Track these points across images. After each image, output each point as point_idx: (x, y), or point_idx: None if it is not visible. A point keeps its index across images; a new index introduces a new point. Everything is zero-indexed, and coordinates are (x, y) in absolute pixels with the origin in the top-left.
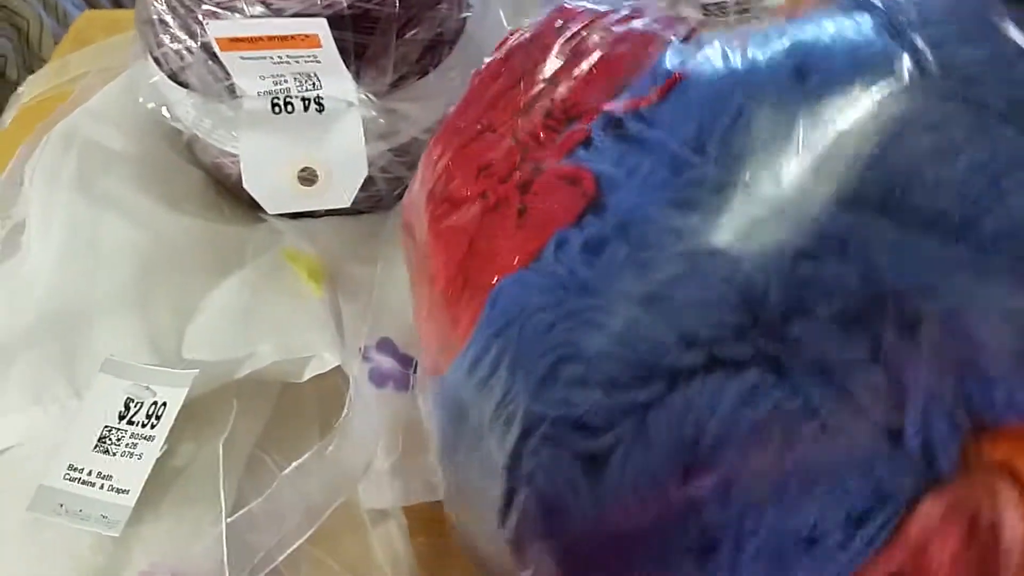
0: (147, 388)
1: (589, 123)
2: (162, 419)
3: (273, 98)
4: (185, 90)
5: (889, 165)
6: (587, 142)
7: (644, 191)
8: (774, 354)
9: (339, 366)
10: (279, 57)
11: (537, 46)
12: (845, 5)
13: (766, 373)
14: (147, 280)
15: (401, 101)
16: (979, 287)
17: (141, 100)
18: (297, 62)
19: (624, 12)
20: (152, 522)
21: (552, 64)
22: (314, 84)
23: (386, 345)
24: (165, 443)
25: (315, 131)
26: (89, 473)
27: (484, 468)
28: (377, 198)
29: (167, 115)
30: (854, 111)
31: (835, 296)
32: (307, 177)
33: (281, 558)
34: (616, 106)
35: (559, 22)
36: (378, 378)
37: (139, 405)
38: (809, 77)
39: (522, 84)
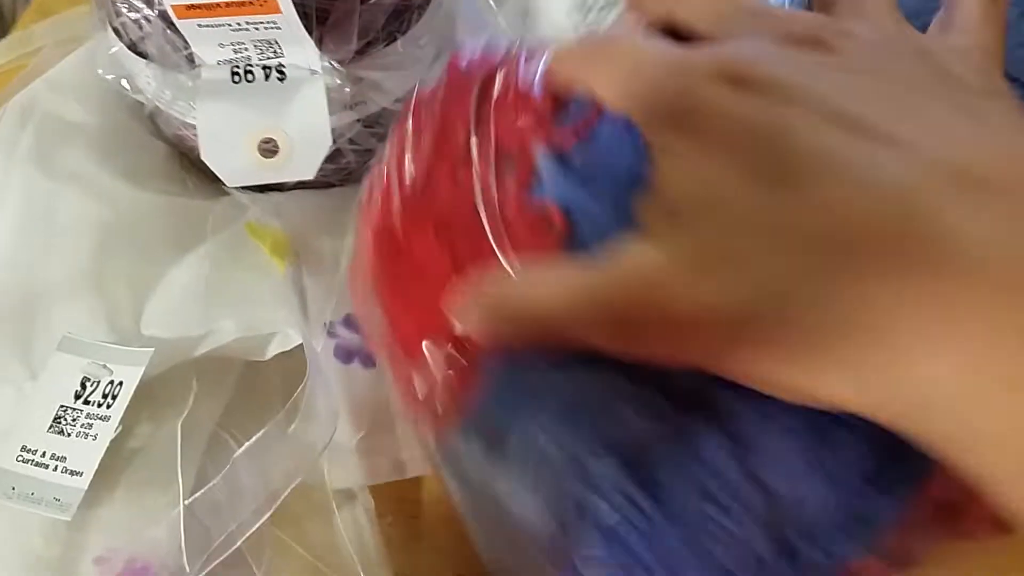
0: (104, 367)
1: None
2: (118, 398)
3: (233, 67)
4: (145, 61)
5: None
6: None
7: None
8: None
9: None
10: (238, 24)
11: (453, 97)
12: None
13: None
14: (105, 256)
15: (368, 69)
16: None
17: (100, 72)
18: (257, 29)
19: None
20: (107, 506)
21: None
22: (275, 52)
23: (352, 321)
24: (120, 423)
25: (277, 100)
26: (43, 455)
27: None
28: (347, 171)
29: (127, 87)
30: None
31: None
32: (269, 149)
33: (242, 540)
34: (558, 136)
35: (465, 68)
36: (344, 354)
37: (95, 384)
38: None
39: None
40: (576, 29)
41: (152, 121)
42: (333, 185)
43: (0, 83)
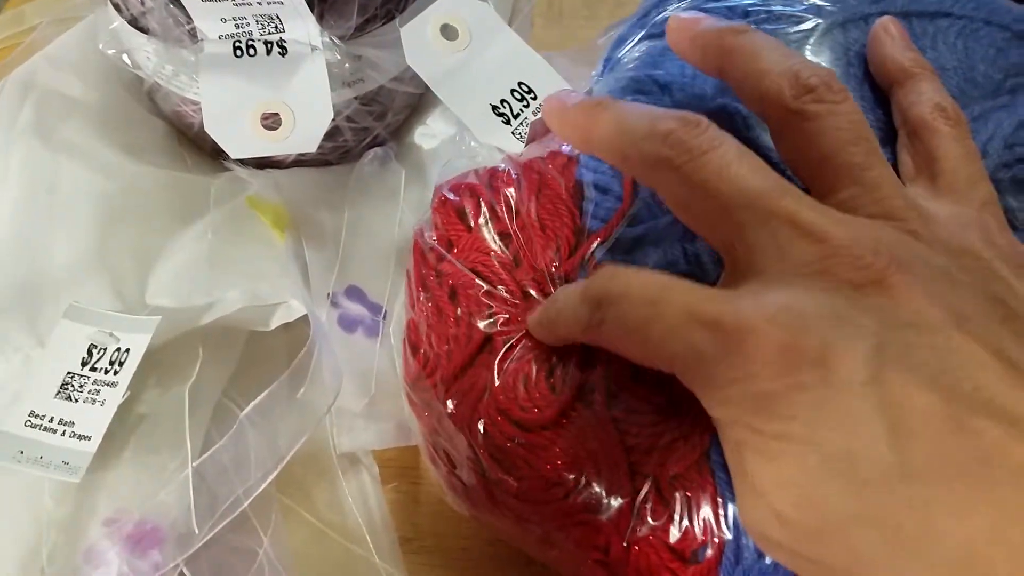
0: (110, 335)
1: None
2: (125, 365)
3: (235, 41)
4: (146, 36)
5: None
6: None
7: None
8: None
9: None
10: None
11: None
12: None
13: None
14: (109, 227)
15: (366, 47)
16: None
17: (101, 47)
18: (259, 4)
19: (504, 166)
20: (116, 469)
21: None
22: (276, 27)
23: (355, 292)
24: (128, 389)
25: (278, 75)
26: (51, 420)
27: None
28: (344, 149)
29: (128, 62)
30: None
31: None
32: (270, 125)
33: (248, 502)
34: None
35: (455, 207)
36: (347, 323)
37: (102, 351)
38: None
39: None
40: (505, 142)
41: (150, 98)
42: (330, 163)
43: None
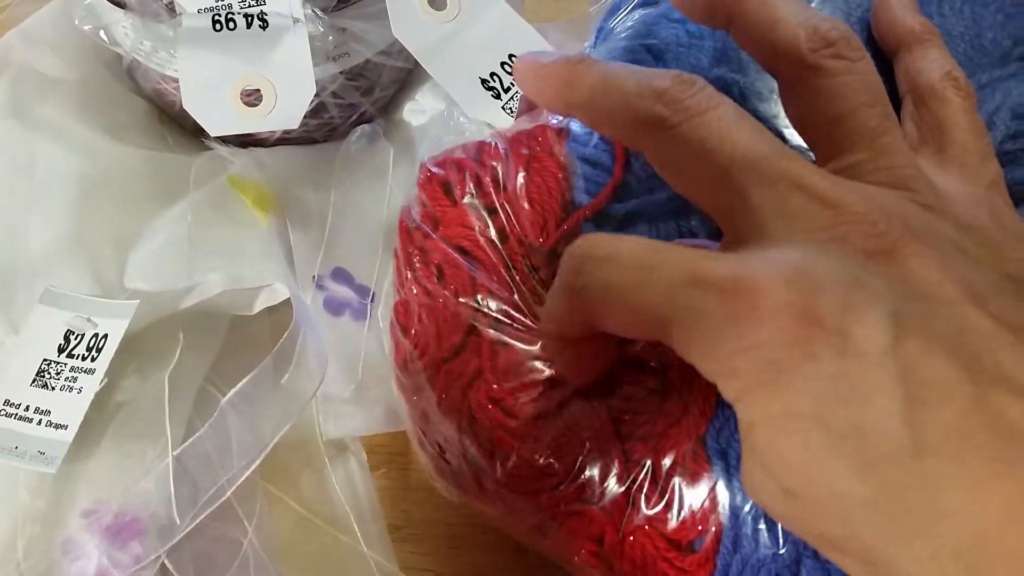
0: (88, 320)
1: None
2: (103, 351)
3: (214, 15)
4: (123, 11)
5: None
6: None
7: None
8: None
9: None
10: None
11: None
12: None
13: None
14: (87, 208)
15: (351, 19)
16: None
17: (77, 23)
18: None
19: (492, 140)
20: (94, 459)
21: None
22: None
23: (341, 274)
24: (105, 376)
25: (259, 49)
26: (26, 408)
27: None
28: (331, 127)
29: (105, 38)
30: None
31: None
32: (252, 102)
33: (231, 491)
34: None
35: (441, 181)
36: (334, 306)
37: (79, 337)
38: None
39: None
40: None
41: (130, 76)
42: (316, 141)
43: None
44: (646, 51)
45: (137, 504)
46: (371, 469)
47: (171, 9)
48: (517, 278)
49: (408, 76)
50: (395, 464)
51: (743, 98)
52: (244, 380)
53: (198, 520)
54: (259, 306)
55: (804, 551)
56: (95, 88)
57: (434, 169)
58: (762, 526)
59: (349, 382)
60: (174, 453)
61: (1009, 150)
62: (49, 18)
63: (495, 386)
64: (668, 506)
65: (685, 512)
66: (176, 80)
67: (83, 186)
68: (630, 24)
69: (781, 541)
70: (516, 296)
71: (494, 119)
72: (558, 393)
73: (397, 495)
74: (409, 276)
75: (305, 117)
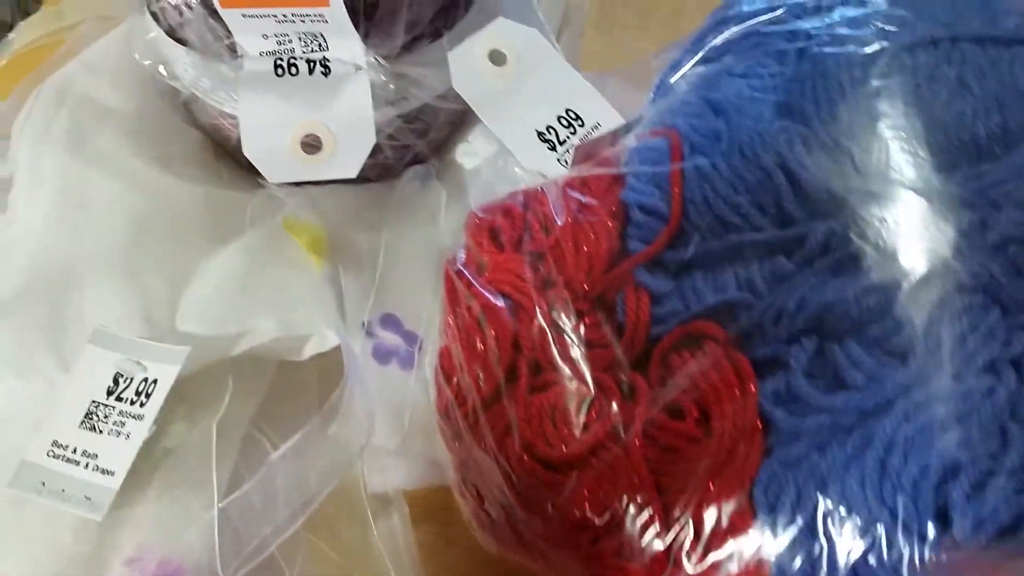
0: (138, 363)
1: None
2: (152, 397)
3: (276, 59)
4: (184, 48)
5: None
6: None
7: None
8: None
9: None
10: (283, 15)
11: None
12: None
13: None
14: (140, 245)
15: (412, 65)
16: None
17: (137, 57)
18: (303, 21)
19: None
20: (140, 505)
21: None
22: (320, 45)
23: (390, 321)
24: (154, 423)
25: (320, 95)
26: (74, 451)
27: None
28: (385, 166)
29: (164, 73)
30: None
31: None
32: (311, 144)
33: (275, 545)
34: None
35: (488, 227)
36: (382, 354)
37: (129, 381)
38: None
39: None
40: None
41: (187, 109)
42: (369, 180)
43: (30, 60)
44: (707, 105)
45: (181, 553)
46: (412, 523)
47: (233, 50)
48: (560, 324)
49: (462, 116)
50: (437, 519)
51: (807, 147)
52: (295, 437)
53: (241, 573)
54: (309, 352)
55: None
56: (152, 119)
57: (482, 215)
58: None
59: (395, 434)
60: (220, 505)
61: None
62: (111, 48)
63: (530, 435)
64: (712, 566)
65: (730, 570)
66: (233, 116)
67: (137, 221)
68: (691, 79)
69: None
70: (554, 343)
71: (549, 170)
72: (593, 441)
73: (438, 551)
74: (451, 322)
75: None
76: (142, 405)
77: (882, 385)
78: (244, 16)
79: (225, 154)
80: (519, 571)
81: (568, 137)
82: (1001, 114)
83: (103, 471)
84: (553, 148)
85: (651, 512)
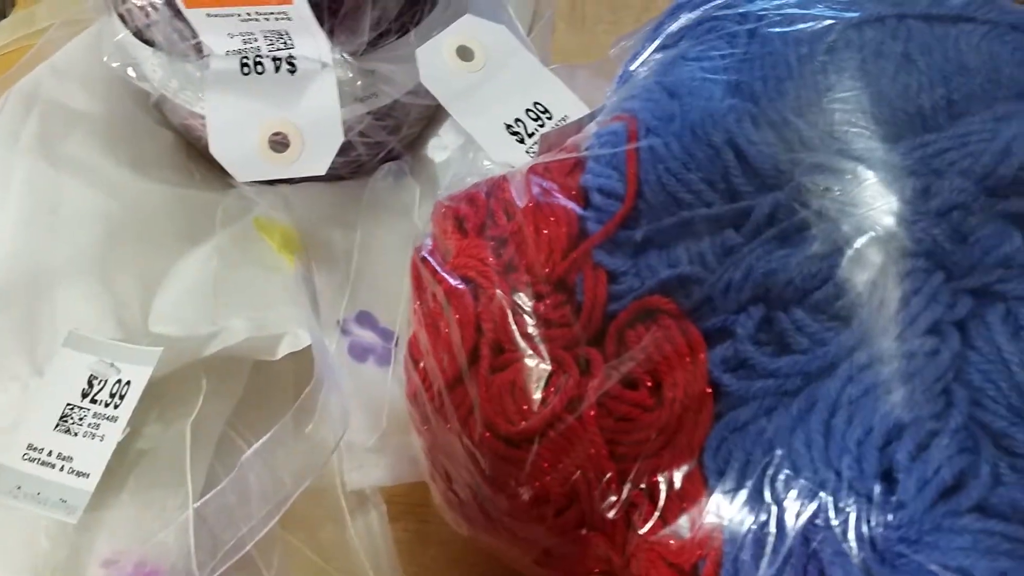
0: (111, 365)
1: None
2: (126, 398)
3: (242, 58)
4: (151, 48)
5: None
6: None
7: None
8: None
9: None
10: (248, 14)
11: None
12: None
13: None
14: (112, 248)
15: (380, 62)
16: None
17: (105, 59)
18: (267, 19)
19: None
20: (115, 508)
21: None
22: (285, 43)
23: (366, 318)
24: (128, 425)
25: (287, 93)
26: (49, 454)
27: None
28: (357, 164)
29: (133, 75)
30: None
31: None
32: (279, 142)
33: (251, 544)
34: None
35: (453, 214)
36: (359, 352)
37: (103, 383)
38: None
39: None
40: (519, 161)
41: (158, 110)
42: (343, 178)
43: (1, 65)
44: (663, 89)
45: (157, 555)
46: (390, 520)
47: (199, 49)
48: (520, 306)
49: (435, 112)
50: (415, 516)
51: (755, 124)
52: (266, 436)
53: (218, 573)
54: (283, 351)
55: (807, 575)
56: (122, 121)
57: (447, 203)
58: (762, 549)
59: (373, 431)
60: (195, 506)
61: None
62: (78, 52)
63: (491, 413)
64: (667, 532)
65: (684, 535)
66: (203, 116)
67: (108, 224)
68: (650, 66)
69: (781, 565)
70: (515, 324)
71: (517, 163)
72: (550, 415)
73: (416, 548)
74: (417, 308)
75: (333, 156)
76: (116, 407)
77: (826, 348)
78: (208, 15)
79: (198, 154)
80: (496, 566)
81: (536, 130)
82: (946, 87)
83: (78, 474)
84: (522, 141)
85: (607, 481)
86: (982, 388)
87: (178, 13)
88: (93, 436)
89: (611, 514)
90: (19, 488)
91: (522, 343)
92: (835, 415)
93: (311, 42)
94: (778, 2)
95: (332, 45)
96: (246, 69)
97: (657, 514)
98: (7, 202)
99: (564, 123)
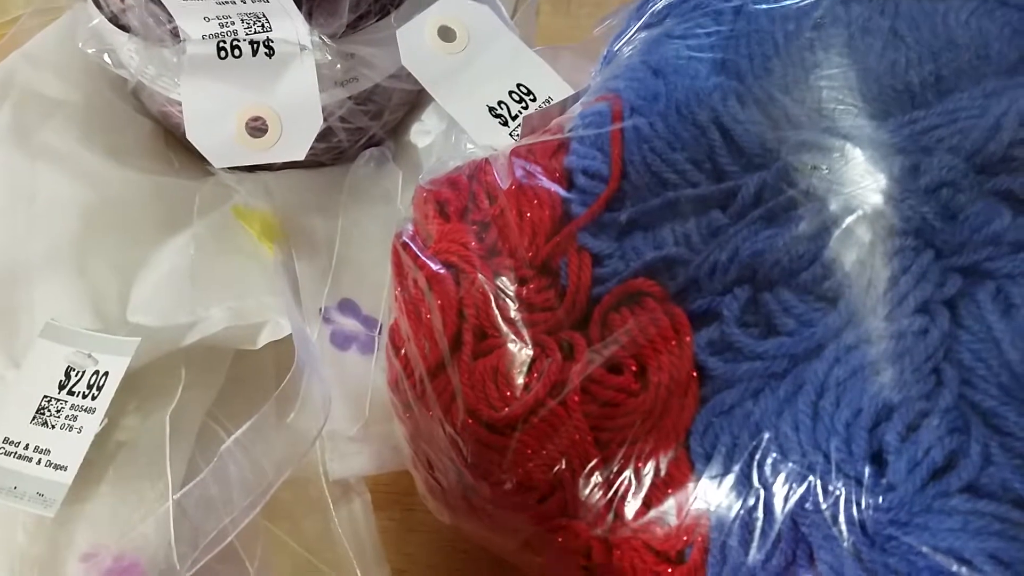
0: (89, 356)
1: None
2: (103, 389)
3: (219, 42)
4: (127, 34)
5: None
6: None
7: None
8: None
9: None
10: None
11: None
12: None
13: None
14: (89, 237)
15: (360, 44)
16: None
17: (80, 45)
18: (244, 2)
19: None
20: (94, 500)
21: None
22: (263, 26)
23: (348, 306)
24: (106, 416)
25: (265, 77)
26: (26, 447)
27: None
28: (339, 150)
29: (109, 61)
30: None
31: None
32: (257, 127)
33: (233, 535)
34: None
35: (435, 199)
36: (341, 341)
37: (80, 374)
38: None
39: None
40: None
41: (136, 97)
42: (324, 165)
43: None
44: (647, 68)
45: (136, 548)
46: (375, 510)
47: (175, 34)
48: (504, 290)
49: (418, 97)
50: (400, 505)
51: (741, 102)
52: (246, 425)
53: (199, 565)
54: (263, 340)
55: (796, 559)
56: (100, 109)
57: (429, 187)
58: (750, 534)
59: (356, 419)
60: (174, 497)
61: (1016, 156)
62: (52, 39)
63: (473, 399)
64: (653, 518)
65: (670, 522)
66: (181, 103)
67: (85, 214)
68: (634, 45)
69: (770, 549)
70: (497, 309)
71: (501, 145)
72: (533, 400)
73: (401, 537)
74: (399, 295)
75: (312, 141)
76: (94, 398)
77: (813, 329)
78: None
79: (176, 142)
80: (481, 554)
81: (520, 112)
82: (934, 63)
83: (56, 467)
84: (505, 123)
85: (591, 467)
86: (972, 367)
87: None
88: (71, 428)
89: (595, 501)
90: None
91: (505, 328)
92: (823, 397)
93: (289, 24)
94: None
95: (310, 27)
96: (223, 53)
97: (642, 500)
98: None
99: (548, 105)
